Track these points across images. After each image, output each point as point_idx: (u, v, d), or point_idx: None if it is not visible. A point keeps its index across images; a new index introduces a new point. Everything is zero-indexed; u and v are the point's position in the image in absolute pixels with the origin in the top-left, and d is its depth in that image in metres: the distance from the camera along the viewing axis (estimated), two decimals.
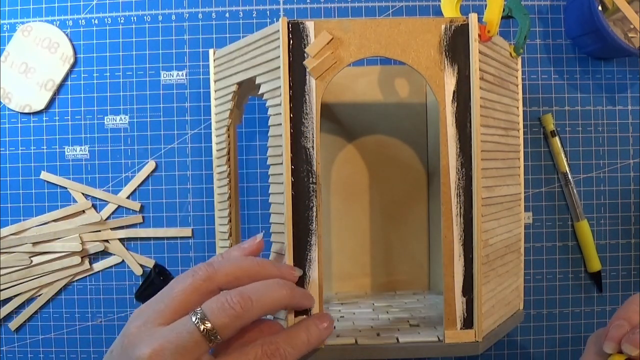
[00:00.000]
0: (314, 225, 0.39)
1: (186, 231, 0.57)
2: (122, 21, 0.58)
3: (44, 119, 0.58)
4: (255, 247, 0.38)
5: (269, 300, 0.34)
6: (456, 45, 0.39)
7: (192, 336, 0.31)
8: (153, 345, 0.30)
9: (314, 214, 0.39)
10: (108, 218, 0.58)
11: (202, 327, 0.31)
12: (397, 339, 0.41)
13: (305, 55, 0.39)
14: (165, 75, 0.57)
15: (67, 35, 0.57)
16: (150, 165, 0.57)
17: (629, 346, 0.34)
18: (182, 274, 0.35)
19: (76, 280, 0.58)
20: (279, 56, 0.39)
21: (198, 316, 0.31)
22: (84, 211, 0.57)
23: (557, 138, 0.56)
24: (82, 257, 0.57)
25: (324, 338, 0.37)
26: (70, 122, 0.58)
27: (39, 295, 0.57)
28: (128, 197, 0.58)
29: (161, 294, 0.34)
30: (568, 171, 0.56)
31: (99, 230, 0.57)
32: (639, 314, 0.35)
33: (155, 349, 0.30)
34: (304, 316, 0.38)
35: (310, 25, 0.39)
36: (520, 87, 0.49)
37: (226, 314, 0.31)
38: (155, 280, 0.54)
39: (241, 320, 0.32)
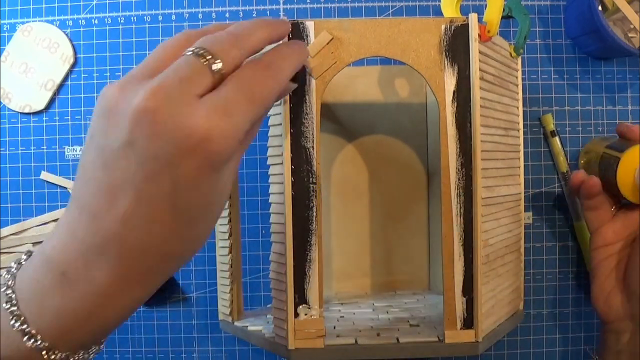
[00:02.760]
0: (314, 225, 0.39)
1: None
2: (122, 21, 0.57)
3: (44, 119, 0.58)
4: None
5: (256, 36, 0.30)
6: (456, 45, 0.39)
7: (192, 66, 0.27)
8: (148, 90, 0.25)
9: (314, 214, 0.39)
10: None
11: (200, 58, 0.27)
12: (397, 339, 0.41)
13: None
14: None
15: (67, 35, 0.57)
16: None
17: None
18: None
19: None
20: None
21: (193, 50, 0.27)
22: None
23: (557, 138, 0.56)
24: None
25: (306, 52, 0.35)
26: (70, 122, 0.58)
27: None
28: None
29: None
30: (568, 171, 0.56)
31: None
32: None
33: (153, 89, 0.25)
34: None
35: (310, 25, 0.39)
36: (520, 87, 0.49)
37: (222, 41, 0.28)
38: None
39: (238, 49, 0.29)
